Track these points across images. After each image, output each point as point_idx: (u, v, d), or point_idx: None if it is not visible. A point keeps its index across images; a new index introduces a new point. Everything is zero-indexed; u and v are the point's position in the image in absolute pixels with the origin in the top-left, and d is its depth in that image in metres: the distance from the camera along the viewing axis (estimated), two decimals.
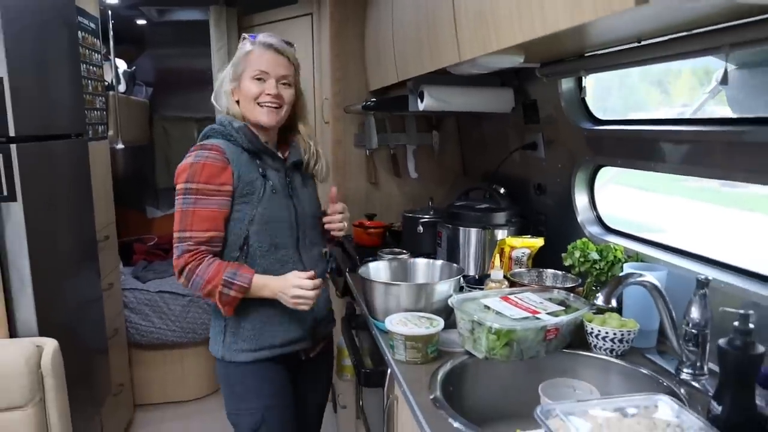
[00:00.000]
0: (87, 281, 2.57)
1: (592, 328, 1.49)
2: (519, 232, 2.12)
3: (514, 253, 1.97)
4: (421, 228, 2.39)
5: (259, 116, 1.61)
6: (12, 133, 1.85)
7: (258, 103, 1.60)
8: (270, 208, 1.61)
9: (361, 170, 2.98)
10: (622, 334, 1.46)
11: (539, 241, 1.98)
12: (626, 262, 1.66)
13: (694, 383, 1.30)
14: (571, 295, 1.61)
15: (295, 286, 1.51)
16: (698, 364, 1.32)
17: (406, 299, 1.58)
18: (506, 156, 2.29)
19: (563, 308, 1.56)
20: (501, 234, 2.10)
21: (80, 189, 2.52)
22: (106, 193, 3.03)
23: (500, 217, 2.10)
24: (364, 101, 2.40)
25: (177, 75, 4.68)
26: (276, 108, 1.62)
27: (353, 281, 2.21)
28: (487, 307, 1.54)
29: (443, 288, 1.60)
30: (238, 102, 1.65)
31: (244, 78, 1.61)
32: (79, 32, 2.64)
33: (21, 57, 1.92)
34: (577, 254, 1.70)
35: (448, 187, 3.07)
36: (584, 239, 1.72)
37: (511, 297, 1.60)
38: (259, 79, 1.60)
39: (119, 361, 3.16)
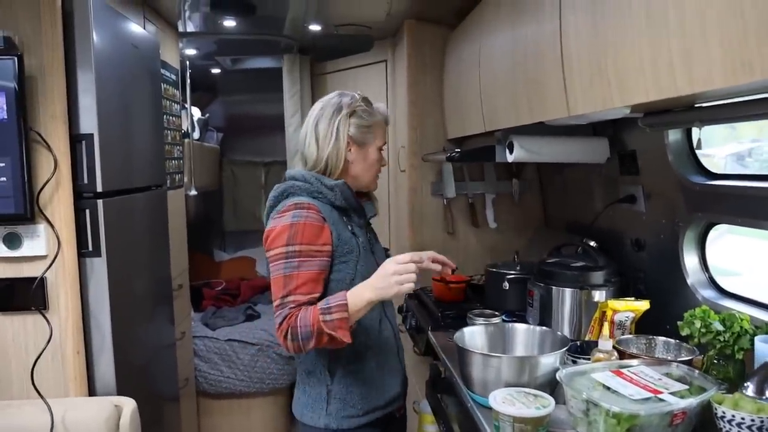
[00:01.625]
0: (162, 331, 2.54)
1: (723, 412, 1.31)
2: (618, 293, 1.96)
3: (617, 317, 1.81)
4: (506, 284, 2.25)
5: (372, 183, 1.68)
6: (99, 188, 1.84)
7: (375, 172, 1.68)
8: (366, 266, 1.57)
9: (438, 220, 2.88)
10: (762, 421, 1.27)
11: (644, 305, 1.81)
12: (755, 334, 1.48)
13: None
14: (696, 372, 1.44)
15: (393, 263, 1.41)
16: None
17: (507, 372, 1.44)
18: (602, 210, 2.14)
19: (686, 386, 1.39)
20: (598, 295, 1.94)
21: (158, 239, 2.52)
22: (180, 241, 3.03)
23: (598, 276, 1.94)
24: (448, 152, 2.31)
25: (246, 120, 4.77)
26: None
27: (436, 340, 2.09)
28: (600, 384, 1.40)
29: (549, 361, 1.46)
30: (346, 162, 1.61)
31: (372, 145, 1.64)
32: (162, 84, 2.68)
33: (110, 112, 1.93)
34: (698, 324, 1.52)
35: (529, 238, 2.93)
36: (704, 307, 1.55)
37: (625, 372, 1.45)
38: (381, 150, 1.68)
39: (188, 411, 3.11)
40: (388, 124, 1.70)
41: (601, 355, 1.56)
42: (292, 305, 1.43)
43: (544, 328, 1.65)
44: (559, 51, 1.43)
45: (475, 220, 2.92)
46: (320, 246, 1.48)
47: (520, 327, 1.66)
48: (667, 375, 1.46)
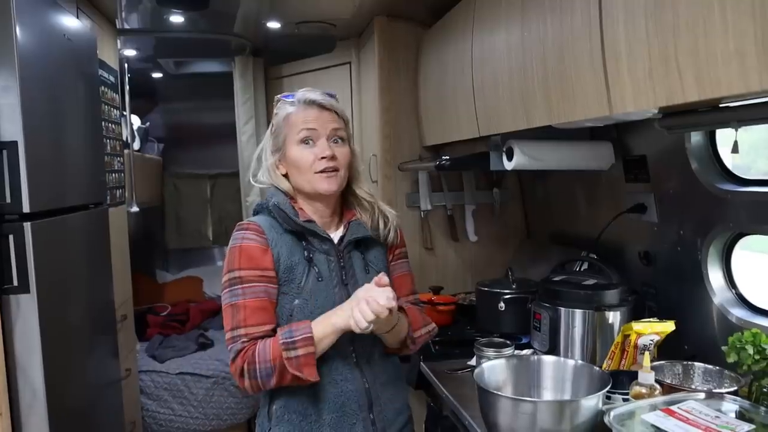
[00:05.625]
0: (105, 372, 2.18)
1: None
2: (633, 313, 1.77)
3: (640, 341, 1.62)
4: (503, 305, 2.03)
5: (319, 186, 1.32)
6: (26, 209, 1.51)
7: (314, 171, 1.32)
8: (314, 300, 1.30)
9: (415, 234, 2.63)
10: None
11: (669, 326, 1.62)
12: None
13: None
14: (762, 408, 1.25)
15: (364, 290, 1.21)
16: None
17: (544, 419, 1.21)
18: (610, 221, 1.94)
19: (752, 425, 1.20)
20: (612, 316, 1.74)
21: (99, 267, 2.16)
22: (123, 267, 2.67)
23: (612, 295, 1.74)
24: (435, 161, 2.07)
25: (190, 130, 4.48)
26: (335, 171, 1.32)
27: (433, 373, 1.84)
28: (655, 427, 1.19)
29: (591, 403, 1.23)
30: (286, 176, 1.37)
31: (288, 145, 1.34)
32: (100, 86, 2.33)
33: (38, 117, 1.60)
34: (750, 350, 1.34)
35: (511, 251, 2.72)
36: (755, 330, 1.36)
37: (677, 411, 1.25)
38: (306, 142, 1.33)
39: None
40: (325, 106, 1.34)
41: (643, 390, 1.35)
42: (245, 339, 1.24)
43: (579, 362, 1.43)
44: (599, 40, 1.20)
45: (454, 233, 2.69)
46: (263, 270, 1.28)
47: (547, 360, 1.43)
48: (720, 410, 1.27)
